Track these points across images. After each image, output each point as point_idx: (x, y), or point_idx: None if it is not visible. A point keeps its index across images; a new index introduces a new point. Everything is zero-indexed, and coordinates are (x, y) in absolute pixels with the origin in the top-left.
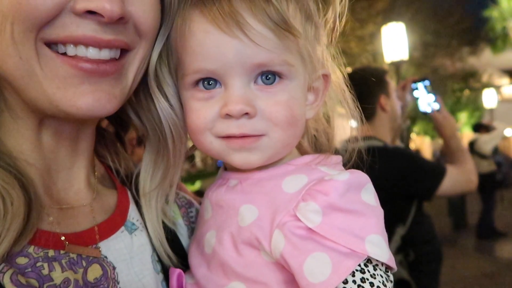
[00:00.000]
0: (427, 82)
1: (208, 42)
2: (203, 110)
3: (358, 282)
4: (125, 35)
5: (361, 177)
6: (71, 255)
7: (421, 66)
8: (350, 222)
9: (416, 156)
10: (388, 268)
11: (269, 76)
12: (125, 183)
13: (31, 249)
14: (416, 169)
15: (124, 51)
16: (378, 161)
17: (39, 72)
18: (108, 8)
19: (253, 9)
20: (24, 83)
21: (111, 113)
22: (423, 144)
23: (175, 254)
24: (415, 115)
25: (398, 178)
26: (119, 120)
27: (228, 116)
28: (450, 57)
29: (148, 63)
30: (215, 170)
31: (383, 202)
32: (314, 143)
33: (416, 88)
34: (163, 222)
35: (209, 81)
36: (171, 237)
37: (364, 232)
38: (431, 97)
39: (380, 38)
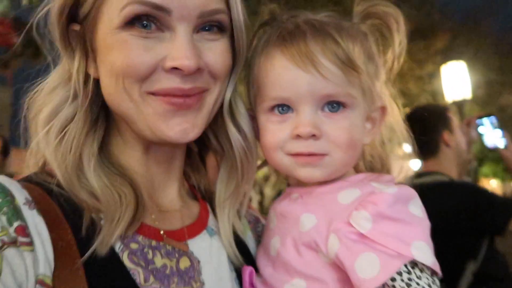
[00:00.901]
0: (493, 118)
1: (286, 76)
2: (277, 131)
3: (406, 280)
4: (201, 81)
5: (409, 191)
6: (167, 246)
7: (486, 104)
8: (398, 229)
9: (484, 190)
10: (434, 274)
11: (334, 105)
12: (204, 197)
13: (140, 238)
14: (486, 203)
15: (202, 91)
16: (445, 195)
17: (144, 111)
18: (186, 64)
19: (325, 50)
20: (134, 119)
21: (195, 138)
22: (492, 186)
23: (244, 258)
24: (482, 156)
25: (468, 213)
26: (202, 142)
27: (298, 136)
28: None
29: (223, 97)
30: None
31: (453, 237)
32: (370, 166)
33: (482, 124)
34: (235, 233)
35: (283, 107)
36: (241, 245)
37: (410, 238)
38: (498, 132)
39: (439, 77)
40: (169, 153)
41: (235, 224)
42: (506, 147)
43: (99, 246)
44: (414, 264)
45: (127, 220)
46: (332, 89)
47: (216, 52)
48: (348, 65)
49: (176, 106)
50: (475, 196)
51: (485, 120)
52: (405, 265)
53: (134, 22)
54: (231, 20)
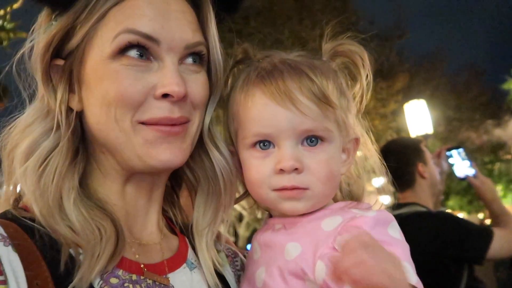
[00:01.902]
0: (461, 149)
1: (267, 112)
2: (261, 167)
3: None
4: (185, 111)
5: (387, 215)
6: (148, 280)
7: (447, 140)
8: None
9: (462, 219)
10: None
11: (313, 139)
12: (182, 231)
13: (120, 272)
14: (464, 232)
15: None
16: (423, 225)
17: (134, 140)
18: (176, 90)
19: (301, 88)
20: (122, 148)
21: (182, 163)
22: None
23: None
24: (448, 190)
25: (446, 242)
26: (175, 177)
27: (281, 171)
28: (475, 130)
29: (202, 126)
30: None
31: (434, 267)
32: (348, 195)
33: (451, 156)
34: (214, 266)
35: (264, 143)
36: (221, 278)
37: None
38: (467, 163)
39: (402, 115)
40: (150, 185)
41: (214, 257)
42: (475, 176)
43: (78, 283)
44: None
45: (108, 255)
46: (310, 124)
47: (198, 83)
48: (323, 101)
49: (164, 133)
50: (453, 226)
51: (454, 152)
52: None
53: (125, 50)
54: (208, 54)
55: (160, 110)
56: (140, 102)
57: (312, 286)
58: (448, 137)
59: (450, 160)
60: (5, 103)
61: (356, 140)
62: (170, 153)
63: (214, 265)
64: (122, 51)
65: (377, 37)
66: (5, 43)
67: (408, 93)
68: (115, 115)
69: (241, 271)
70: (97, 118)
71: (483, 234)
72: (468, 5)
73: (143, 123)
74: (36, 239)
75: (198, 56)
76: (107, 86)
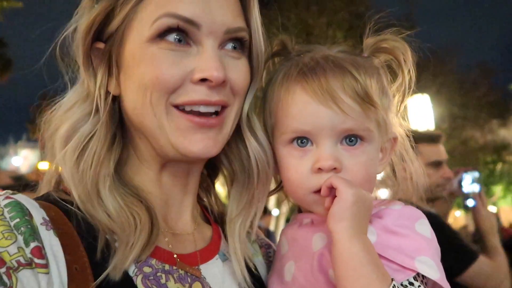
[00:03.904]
0: (476, 174)
1: (308, 110)
2: (299, 166)
3: None
4: (224, 95)
5: (416, 211)
6: (180, 271)
7: (450, 137)
8: (401, 243)
9: (449, 229)
10: None
11: (352, 138)
12: (217, 221)
13: (153, 262)
14: (445, 242)
15: (223, 107)
16: None
17: (167, 126)
18: (215, 75)
19: (345, 86)
20: (156, 134)
21: (215, 155)
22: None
23: (255, 284)
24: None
25: None
26: (211, 166)
27: (319, 170)
28: (479, 129)
29: (240, 114)
30: None
31: None
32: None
33: (464, 178)
34: (245, 258)
35: (302, 140)
36: (252, 270)
37: (415, 253)
38: (476, 187)
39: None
40: (185, 172)
41: (245, 249)
42: (474, 206)
43: (113, 270)
44: (421, 280)
45: (141, 244)
46: (351, 124)
47: (238, 70)
48: (366, 100)
49: (198, 124)
50: (439, 232)
51: (467, 176)
52: (410, 281)
53: (164, 35)
54: (250, 39)
55: (197, 93)
56: (176, 86)
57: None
58: (452, 135)
59: (463, 182)
60: (8, 76)
61: (394, 140)
62: (203, 145)
63: (245, 257)
64: (161, 35)
65: (386, 28)
66: None
67: (415, 87)
68: (150, 99)
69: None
70: (134, 103)
71: (467, 253)
72: (483, 3)
73: (176, 106)
74: (75, 224)
75: (240, 42)
76: (144, 69)
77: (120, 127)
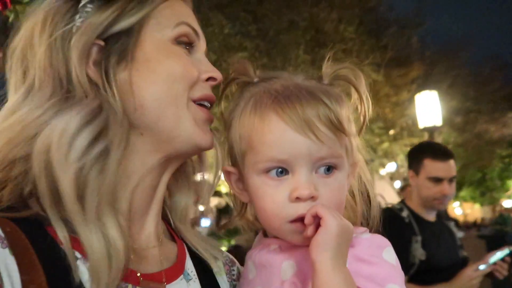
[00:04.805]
0: (506, 252)
1: (284, 139)
2: (275, 196)
3: None
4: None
5: (383, 239)
6: None
7: (463, 131)
8: (372, 272)
9: (398, 235)
10: None
11: (327, 167)
12: (180, 236)
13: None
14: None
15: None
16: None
17: (186, 116)
18: (219, 75)
19: (320, 115)
20: (174, 125)
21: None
22: (472, 210)
23: None
24: (461, 181)
25: None
26: None
27: (297, 199)
28: (494, 123)
29: None
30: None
31: None
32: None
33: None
34: (212, 276)
35: (280, 170)
36: (215, 286)
37: (384, 281)
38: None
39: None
40: (154, 182)
41: (211, 264)
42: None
43: None
44: None
45: (116, 274)
46: (326, 152)
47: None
48: (339, 128)
49: (208, 118)
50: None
51: (499, 253)
52: None
53: (181, 38)
54: None
55: (207, 89)
56: (195, 81)
57: None
58: (465, 129)
59: (495, 257)
60: None
61: (355, 164)
62: (210, 136)
63: (212, 275)
64: (179, 38)
65: (396, 24)
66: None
67: (426, 82)
68: (177, 91)
69: (237, 280)
70: (157, 94)
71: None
72: None
73: (194, 101)
74: (33, 240)
75: None
76: (172, 63)
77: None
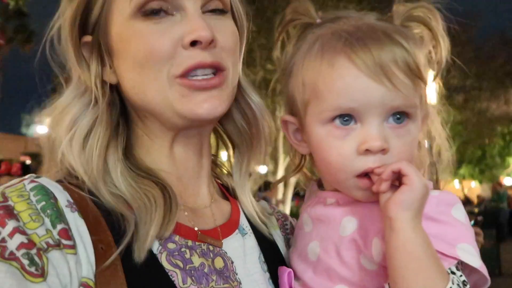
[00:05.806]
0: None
1: (356, 86)
2: (342, 147)
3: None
4: (217, 56)
5: (452, 196)
6: (203, 246)
7: (464, 109)
8: (442, 230)
9: None
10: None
11: (399, 116)
12: (233, 195)
13: (177, 238)
14: None
15: (220, 70)
16: None
17: (171, 96)
18: (203, 34)
19: (397, 60)
20: (160, 107)
21: (223, 113)
22: (471, 188)
23: (275, 258)
24: (461, 159)
25: None
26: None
27: (367, 151)
28: (495, 100)
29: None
30: None
31: None
32: None
33: None
34: (264, 233)
35: (345, 118)
36: (272, 244)
37: (455, 240)
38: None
39: None
40: (198, 143)
41: (265, 218)
42: None
43: (137, 249)
44: (461, 268)
45: (159, 221)
46: (401, 101)
47: (224, 29)
48: (417, 75)
49: (199, 87)
50: None
51: None
52: (452, 270)
53: (144, 9)
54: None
55: (192, 58)
56: (171, 55)
57: (368, 264)
58: (466, 106)
59: None
60: (33, 46)
61: (426, 116)
62: (208, 104)
63: (263, 228)
64: (141, 8)
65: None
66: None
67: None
68: (149, 74)
69: (290, 234)
70: (132, 82)
71: None
72: None
73: (179, 77)
74: (97, 206)
75: (222, 3)
76: (135, 46)
77: (123, 115)
